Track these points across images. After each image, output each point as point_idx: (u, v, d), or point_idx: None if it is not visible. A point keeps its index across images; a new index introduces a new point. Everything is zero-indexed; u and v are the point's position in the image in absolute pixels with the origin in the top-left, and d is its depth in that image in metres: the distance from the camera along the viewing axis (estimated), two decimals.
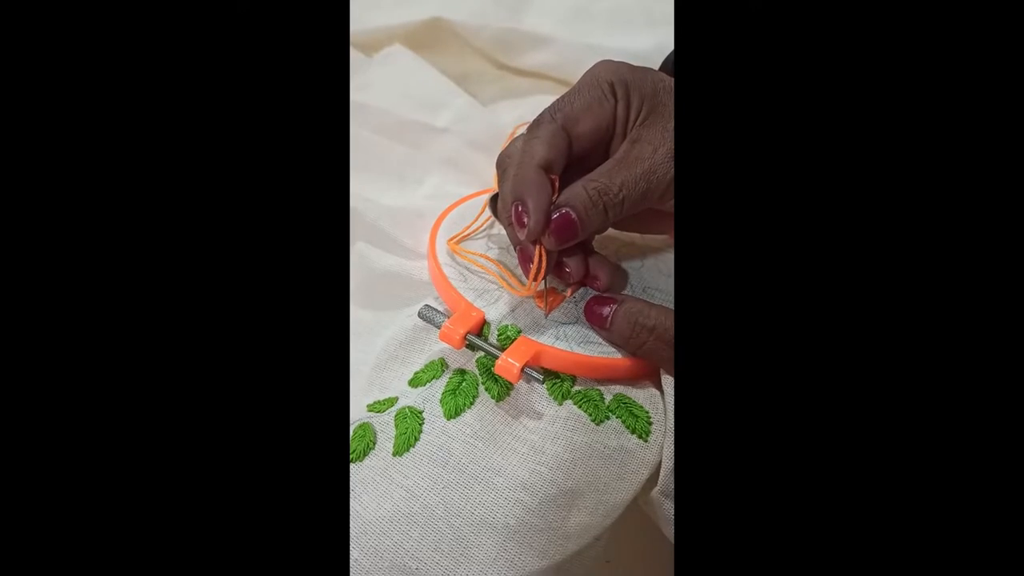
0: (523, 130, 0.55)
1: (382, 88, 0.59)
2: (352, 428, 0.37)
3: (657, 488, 0.34)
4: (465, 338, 0.36)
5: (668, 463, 0.34)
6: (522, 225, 0.33)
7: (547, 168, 0.34)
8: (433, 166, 0.54)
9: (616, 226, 0.39)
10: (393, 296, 0.44)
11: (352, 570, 0.33)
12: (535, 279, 0.35)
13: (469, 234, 0.43)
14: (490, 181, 0.50)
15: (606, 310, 0.36)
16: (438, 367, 0.38)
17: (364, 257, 0.44)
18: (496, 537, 0.33)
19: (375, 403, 0.38)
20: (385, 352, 0.40)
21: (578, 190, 0.34)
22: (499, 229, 0.43)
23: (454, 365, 0.37)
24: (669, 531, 0.35)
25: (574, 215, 0.33)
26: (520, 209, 0.33)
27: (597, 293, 0.38)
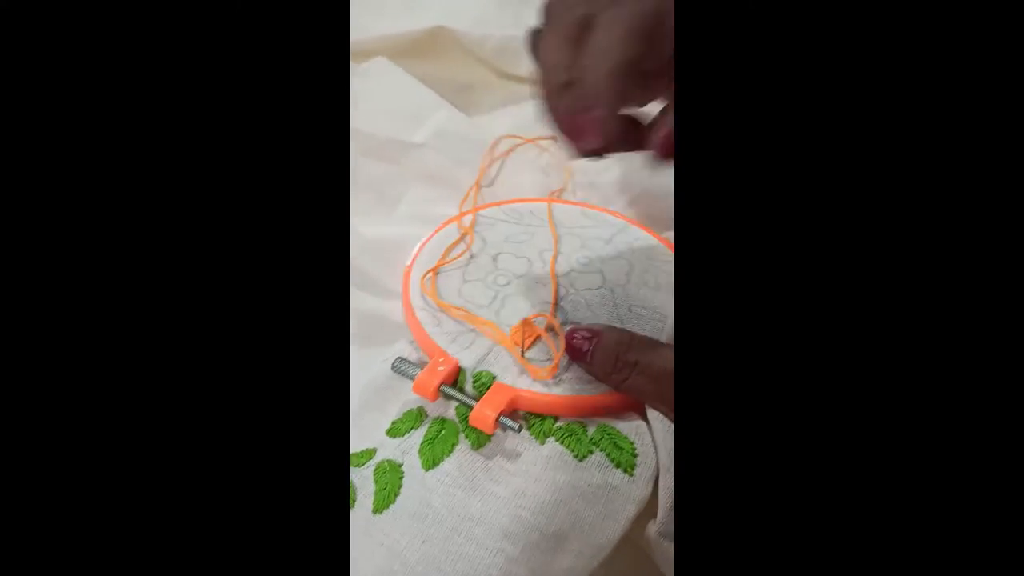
0: (506, 142, 0.53)
1: (361, 103, 0.58)
2: None
3: (656, 528, 0.33)
4: (439, 390, 0.35)
5: (667, 501, 0.33)
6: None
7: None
8: (411, 183, 0.53)
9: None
10: (369, 337, 0.43)
11: None
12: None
13: (442, 264, 0.42)
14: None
15: (586, 345, 0.35)
16: (416, 417, 0.37)
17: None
18: None
19: (354, 455, 0.38)
20: (362, 399, 0.40)
21: None
22: (474, 264, 0.42)
23: (433, 413, 0.37)
24: (666, 567, 0.34)
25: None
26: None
27: (576, 324, 0.37)
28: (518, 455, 0.34)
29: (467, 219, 0.47)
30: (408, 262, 0.43)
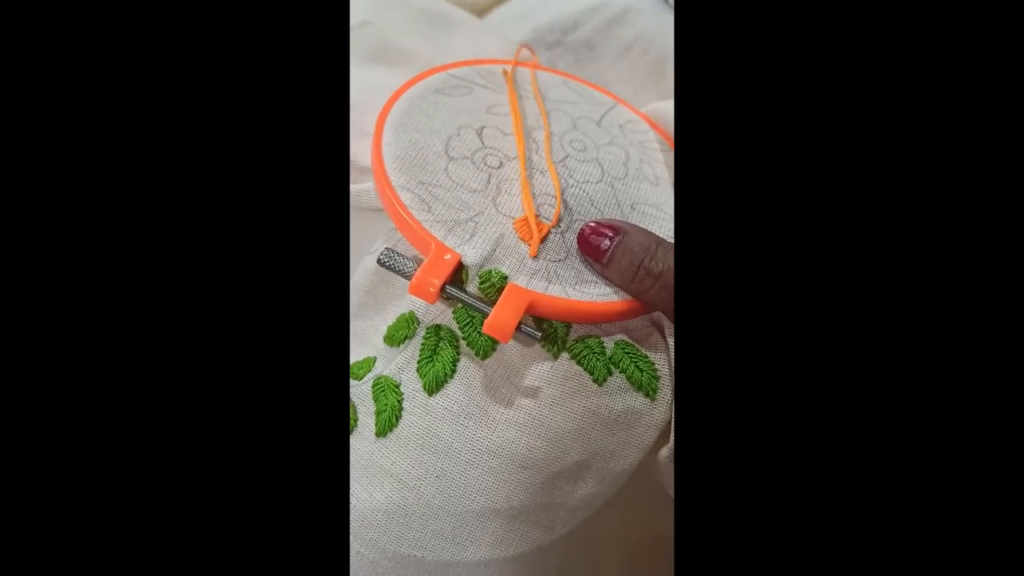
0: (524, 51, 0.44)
1: None
2: None
3: (667, 453, 0.31)
4: (442, 290, 0.29)
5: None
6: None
7: None
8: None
9: None
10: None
11: (355, 562, 0.30)
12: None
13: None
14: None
15: (605, 242, 0.30)
16: (408, 323, 0.31)
17: None
18: (500, 520, 0.30)
19: (354, 364, 0.32)
20: (355, 299, 0.33)
21: None
22: (458, 140, 0.35)
23: (426, 319, 0.31)
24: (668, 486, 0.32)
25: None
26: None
27: (590, 221, 0.32)
28: (530, 371, 0.30)
29: (461, 71, 0.39)
30: (374, 118, 0.35)
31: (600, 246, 0.30)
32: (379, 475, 0.30)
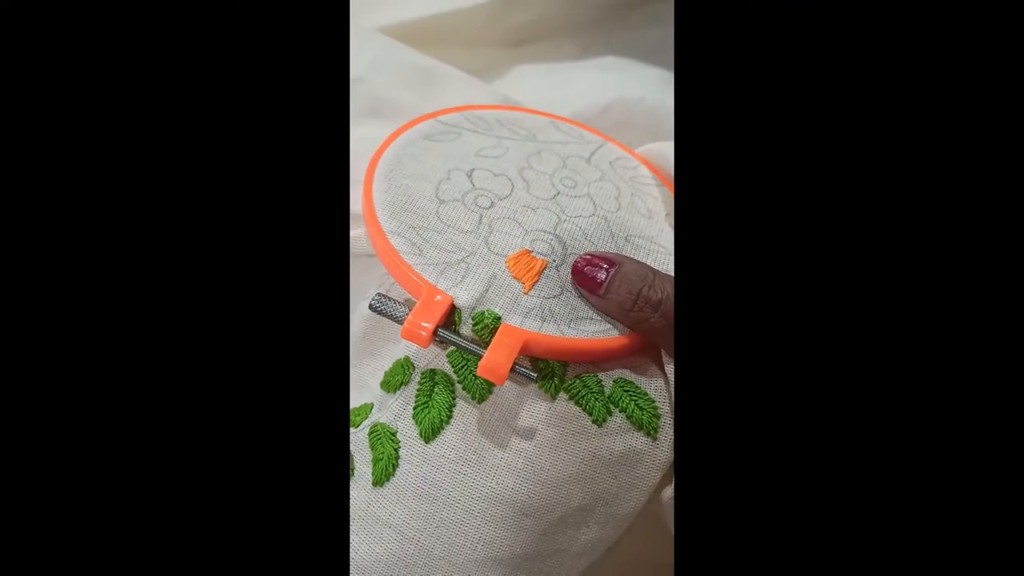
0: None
1: None
2: None
3: (671, 495, 0.30)
4: (435, 334, 0.29)
5: None
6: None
7: None
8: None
9: None
10: None
11: None
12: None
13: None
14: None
15: (601, 274, 0.30)
16: (404, 368, 0.31)
17: None
18: (504, 568, 0.29)
19: (352, 411, 0.32)
20: (352, 345, 0.33)
21: None
22: (449, 183, 0.35)
23: (421, 364, 0.30)
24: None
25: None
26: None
27: (584, 253, 0.31)
28: (527, 413, 0.29)
29: (450, 117, 0.39)
30: (365, 167, 0.35)
31: (596, 277, 0.30)
32: (377, 526, 0.29)
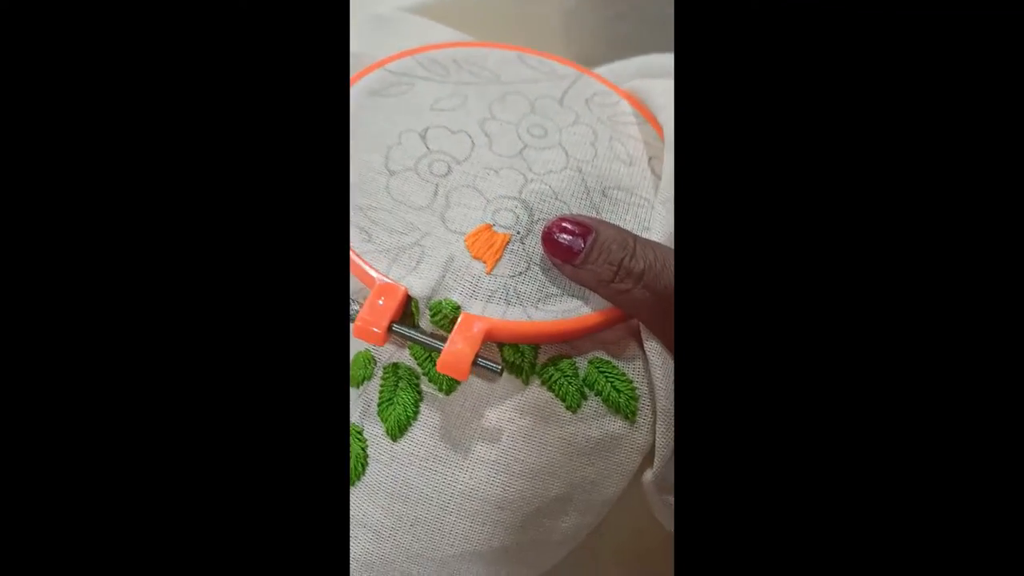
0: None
1: None
2: None
3: (652, 478, 0.28)
4: (389, 330, 0.27)
5: (664, 451, 0.28)
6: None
7: None
8: None
9: None
10: None
11: None
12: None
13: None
14: None
15: (578, 242, 0.27)
16: (366, 363, 0.29)
17: None
18: (482, 563, 0.28)
19: None
20: None
21: None
22: (399, 149, 0.32)
23: (383, 358, 0.29)
24: (664, 517, 0.30)
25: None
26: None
27: (555, 217, 0.29)
28: (497, 402, 0.28)
29: (399, 63, 0.35)
30: None
31: (572, 247, 0.27)
32: (351, 526, 0.28)
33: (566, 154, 0.32)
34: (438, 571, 0.28)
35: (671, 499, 0.28)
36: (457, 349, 0.26)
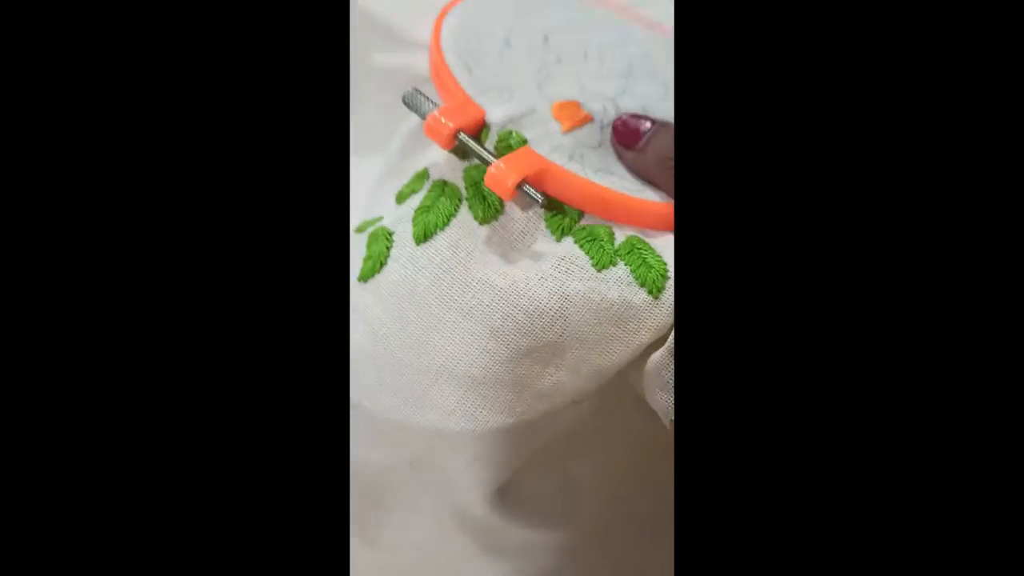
0: None
1: None
2: None
3: (659, 358, 0.27)
4: (456, 136, 0.28)
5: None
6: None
7: None
8: None
9: None
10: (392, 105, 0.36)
11: None
12: None
13: None
14: None
15: (645, 125, 0.28)
16: (419, 179, 0.30)
17: (361, 54, 0.36)
18: (456, 387, 0.27)
19: (361, 223, 0.32)
20: (386, 165, 0.33)
21: None
22: (520, 33, 0.34)
23: (435, 175, 0.30)
24: (659, 406, 0.28)
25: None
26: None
27: (631, 114, 0.30)
28: (527, 243, 0.28)
29: None
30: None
31: (638, 128, 0.29)
32: (353, 317, 0.29)
33: (667, 91, 0.34)
34: (411, 381, 0.27)
35: (670, 379, 0.26)
36: (507, 167, 0.26)
